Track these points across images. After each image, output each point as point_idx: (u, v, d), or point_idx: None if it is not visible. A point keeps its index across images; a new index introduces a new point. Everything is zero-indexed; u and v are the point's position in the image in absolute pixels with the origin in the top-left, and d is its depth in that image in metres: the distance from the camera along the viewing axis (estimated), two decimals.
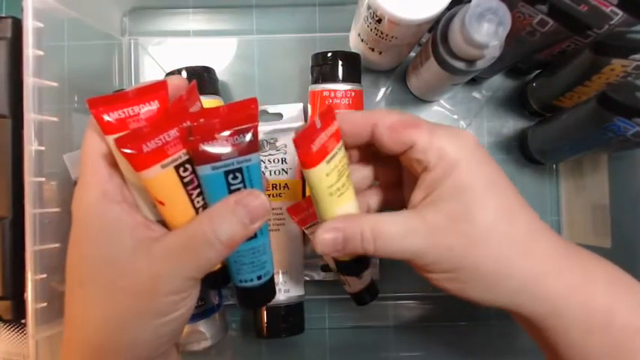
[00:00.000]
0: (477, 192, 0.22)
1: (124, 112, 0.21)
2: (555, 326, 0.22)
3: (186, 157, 0.21)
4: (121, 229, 0.21)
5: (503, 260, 0.22)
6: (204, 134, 0.21)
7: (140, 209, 0.23)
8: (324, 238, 0.23)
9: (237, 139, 0.21)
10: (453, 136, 0.23)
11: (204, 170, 0.21)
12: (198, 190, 0.22)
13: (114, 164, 0.22)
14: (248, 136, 0.21)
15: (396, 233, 0.22)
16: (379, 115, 0.24)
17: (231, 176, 0.22)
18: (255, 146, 0.21)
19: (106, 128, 0.21)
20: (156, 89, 0.21)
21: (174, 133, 0.21)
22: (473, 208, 0.22)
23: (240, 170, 0.22)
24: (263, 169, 0.41)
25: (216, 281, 0.25)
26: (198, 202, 0.23)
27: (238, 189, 0.22)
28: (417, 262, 0.23)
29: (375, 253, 0.23)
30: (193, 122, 0.21)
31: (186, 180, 0.22)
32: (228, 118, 0.21)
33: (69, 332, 0.22)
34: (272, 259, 0.26)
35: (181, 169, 0.21)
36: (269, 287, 0.26)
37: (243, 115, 0.21)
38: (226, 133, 0.21)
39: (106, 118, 0.21)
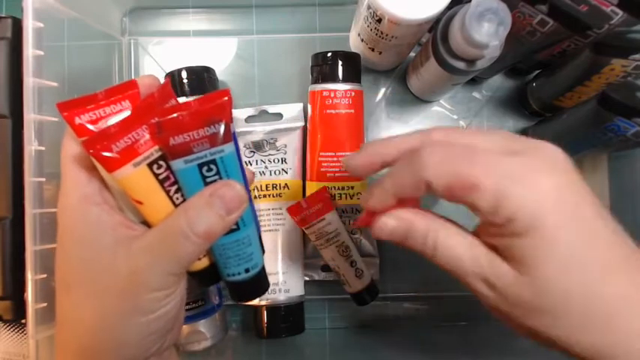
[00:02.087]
0: (573, 256, 0.18)
1: (95, 114, 0.21)
2: None
3: (159, 153, 0.21)
4: (102, 230, 0.21)
5: (577, 335, 0.19)
6: (174, 128, 0.20)
7: (123, 212, 0.23)
8: (386, 222, 0.21)
9: (208, 131, 0.21)
10: (528, 180, 0.18)
11: (177, 165, 0.21)
12: (175, 187, 0.22)
13: (92, 167, 0.22)
14: (220, 127, 0.21)
15: (459, 254, 0.20)
16: (429, 169, 0.20)
17: (205, 168, 0.21)
18: (228, 137, 0.21)
19: (78, 131, 0.21)
20: (126, 89, 0.21)
21: (143, 130, 0.20)
22: (545, 278, 0.18)
23: (214, 162, 0.21)
24: (263, 169, 0.41)
25: (209, 278, 0.25)
26: (177, 198, 0.22)
27: (214, 181, 0.22)
28: (475, 294, 0.21)
29: (432, 259, 0.21)
30: (162, 118, 0.21)
31: (161, 177, 0.22)
32: (199, 111, 0.20)
33: (60, 334, 0.23)
34: (260, 250, 0.25)
35: (155, 166, 0.21)
36: (259, 280, 0.25)
37: (214, 106, 0.21)
38: (197, 126, 0.20)
39: (77, 120, 0.21)
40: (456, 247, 0.20)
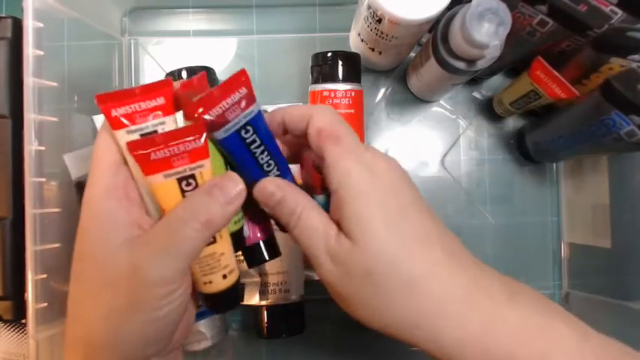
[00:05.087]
0: (376, 227, 0.22)
1: (130, 108, 0.22)
2: None
3: (191, 172, 0.22)
4: (116, 226, 0.21)
5: (396, 297, 0.21)
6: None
7: (147, 206, 0.23)
8: (266, 187, 0.24)
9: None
10: (365, 164, 0.22)
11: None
12: None
13: (122, 162, 0.23)
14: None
15: (317, 229, 0.23)
16: (317, 113, 0.24)
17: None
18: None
19: (114, 123, 0.22)
20: (161, 86, 0.22)
21: (183, 147, 0.21)
22: (370, 241, 0.21)
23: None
24: None
25: (221, 302, 0.25)
26: None
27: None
28: (317, 270, 0.23)
29: (292, 232, 0.23)
30: (198, 98, 0.22)
31: (187, 194, 0.22)
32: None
33: (68, 328, 0.23)
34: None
35: (184, 183, 0.22)
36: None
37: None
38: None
39: (114, 113, 0.22)
40: (315, 221, 0.23)
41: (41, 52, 0.32)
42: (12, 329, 0.43)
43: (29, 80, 0.31)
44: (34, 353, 0.31)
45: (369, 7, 0.33)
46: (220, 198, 0.22)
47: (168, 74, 0.40)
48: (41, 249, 0.31)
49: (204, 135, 0.22)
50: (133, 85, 0.46)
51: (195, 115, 0.22)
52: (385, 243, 0.21)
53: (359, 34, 0.40)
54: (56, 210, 0.34)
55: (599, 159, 0.41)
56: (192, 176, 0.22)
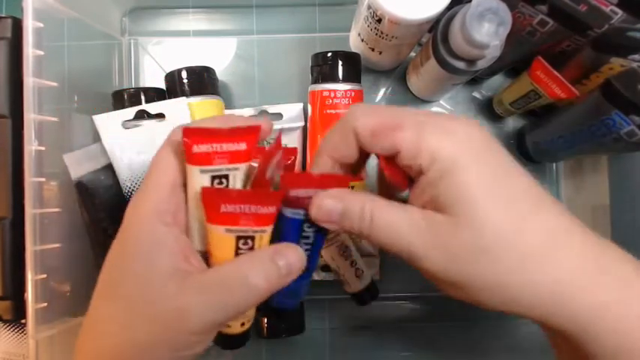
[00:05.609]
0: (479, 196, 0.19)
1: (212, 147, 0.22)
2: (584, 344, 0.19)
3: (253, 234, 0.22)
4: (162, 252, 0.21)
5: (517, 274, 0.19)
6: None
7: (191, 234, 0.23)
8: (324, 202, 0.21)
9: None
10: (445, 132, 0.20)
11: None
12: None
13: (178, 186, 0.22)
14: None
15: (396, 222, 0.20)
16: (358, 119, 0.21)
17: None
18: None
19: (191, 158, 0.22)
20: (249, 132, 0.22)
21: (255, 209, 0.22)
22: (475, 214, 0.19)
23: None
24: None
25: (233, 343, 0.26)
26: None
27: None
28: (415, 264, 0.21)
29: (369, 236, 0.21)
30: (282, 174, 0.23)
31: (241, 251, 0.22)
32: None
33: (85, 338, 0.22)
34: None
35: (242, 241, 0.22)
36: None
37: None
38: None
39: (195, 149, 0.22)
40: (392, 215, 0.20)
41: (41, 52, 0.32)
42: (12, 329, 0.43)
43: (29, 80, 0.31)
44: (33, 353, 0.31)
45: (369, 7, 0.33)
46: (283, 269, 0.22)
47: (168, 74, 0.40)
48: (41, 249, 0.31)
49: (279, 206, 0.22)
50: (133, 85, 0.46)
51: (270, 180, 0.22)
52: (494, 214, 0.19)
53: (359, 34, 0.40)
54: (56, 210, 0.34)
55: (599, 159, 0.41)
56: (252, 238, 0.22)
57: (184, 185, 0.23)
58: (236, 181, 0.23)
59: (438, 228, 0.20)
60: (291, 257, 0.22)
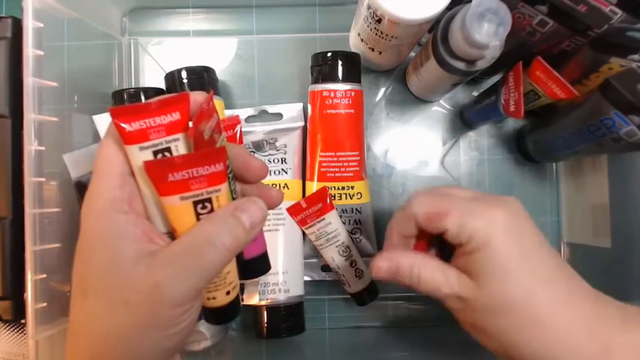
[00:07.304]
0: (510, 266, 0.24)
1: (145, 123, 0.21)
2: None
3: (208, 195, 0.22)
4: (124, 241, 0.21)
5: (548, 347, 0.23)
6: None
7: (152, 219, 0.23)
8: (381, 265, 0.27)
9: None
10: (484, 218, 0.25)
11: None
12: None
13: (128, 173, 0.22)
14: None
15: (437, 281, 0.26)
16: (414, 207, 0.27)
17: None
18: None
19: (126, 138, 0.21)
20: (178, 101, 0.22)
21: (202, 171, 0.21)
22: (507, 284, 0.24)
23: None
24: None
25: (222, 315, 0.26)
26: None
27: None
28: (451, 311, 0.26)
29: (418, 289, 0.26)
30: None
31: (202, 216, 0.22)
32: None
33: (72, 340, 0.22)
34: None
35: (199, 206, 0.22)
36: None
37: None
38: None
39: (127, 128, 0.21)
40: (434, 275, 0.26)
41: (41, 52, 0.32)
42: (12, 329, 0.43)
43: (29, 80, 0.31)
44: (33, 353, 0.31)
45: (369, 7, 0.33)
46: (246, 222, 0.22)
47: (168, 74, 0.40)
48: (41, 249, 0.31)
49: (226, 161, 0.22)
50: (133, 85, 0.46)
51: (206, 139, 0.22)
52: (515, 288, 0.24)
53: (359, 34, 0.40)
54: (56, 210, 0.34)
55: (599, 159, 0.41)
56: (209, 200, 0.22)
57: (133, 174, 0.23)
58: (179, 152, 0.22)
59: (463, 284, 0.25)
60: (252, 210, 0.22)
